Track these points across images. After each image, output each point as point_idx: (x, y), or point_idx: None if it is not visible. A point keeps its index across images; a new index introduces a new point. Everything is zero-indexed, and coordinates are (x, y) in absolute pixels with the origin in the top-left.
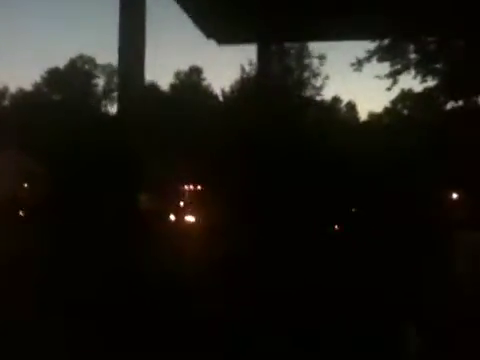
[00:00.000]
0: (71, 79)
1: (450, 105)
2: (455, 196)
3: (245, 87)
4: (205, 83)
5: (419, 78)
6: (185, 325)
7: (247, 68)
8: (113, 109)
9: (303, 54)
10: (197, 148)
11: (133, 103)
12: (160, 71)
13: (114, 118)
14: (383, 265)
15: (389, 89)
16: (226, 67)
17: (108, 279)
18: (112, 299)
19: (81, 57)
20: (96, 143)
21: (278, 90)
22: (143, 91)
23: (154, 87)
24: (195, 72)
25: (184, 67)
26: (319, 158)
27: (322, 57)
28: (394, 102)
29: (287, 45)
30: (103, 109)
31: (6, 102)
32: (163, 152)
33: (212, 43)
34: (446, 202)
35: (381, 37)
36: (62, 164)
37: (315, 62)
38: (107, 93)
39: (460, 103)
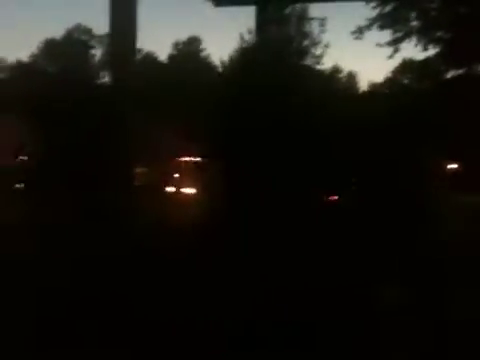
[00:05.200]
0: (68, 50)
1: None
2: (453, 165)
3: (244, 56)
4: (205, 53)
5: (420, 46)
6: None
7: (246, 37)
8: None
9: (303, 21)
10: (195, 120)
11: (124, 73)
12: (159, 40)
13: (109, 88)
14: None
15: (390, 57)
16: (225, 35)
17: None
18: None
19: (78, 28)
20: (93, 113)
21: (277, 59)
22: (134, 61)
23: (152, 58)
24: (195, 42)
25: (183, 36)
26: (318, 128)
27: (323, 22)
28: (395, 72)
29: (287, 11)
30: (100, 80)
31: (3, 74)
32: (161, 124)
33: (209, 6)
34: (444, 171)
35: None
36: (61, 135)
37: (315, 30)
38: (104, 64)
39: (461, 71)
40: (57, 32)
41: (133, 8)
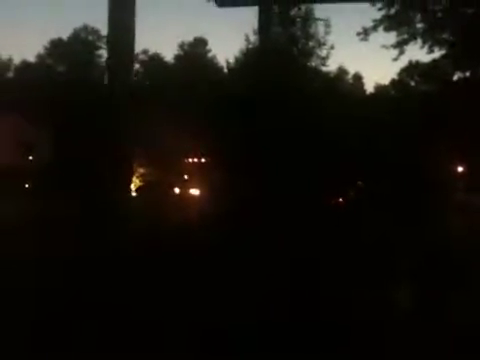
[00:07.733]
0: (75, 50)
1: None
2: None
3: (249, 57)
4: (211, 54)
5: (426, 48)
6: None
7: (252, 38)
8: None
9: (308, 23)
10: (201, 121)
11: (122, 72)
12: (165, 41)
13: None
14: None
15: (395, 59)
16: (228, 36)
17: None
18: None
19: (85, 28)
20: (98, 114)
21: (282, 60)
22: (132, 60)
23: (158, 58)
24: (200, 43)
25: (187, 37)
26: (324, 130)
27: (327, 24)
28: (400, 74)
29: (292, 13)
30: (106, 80)
31: (10, 74)
32: (167, 124)
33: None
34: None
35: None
36: (67, 135)
37: (320, 31)
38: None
39: (467, 74)
40: (64, 32)
41: (131, 10)
